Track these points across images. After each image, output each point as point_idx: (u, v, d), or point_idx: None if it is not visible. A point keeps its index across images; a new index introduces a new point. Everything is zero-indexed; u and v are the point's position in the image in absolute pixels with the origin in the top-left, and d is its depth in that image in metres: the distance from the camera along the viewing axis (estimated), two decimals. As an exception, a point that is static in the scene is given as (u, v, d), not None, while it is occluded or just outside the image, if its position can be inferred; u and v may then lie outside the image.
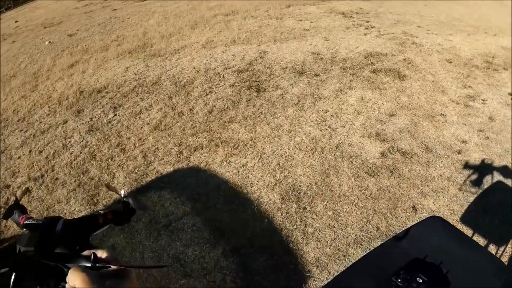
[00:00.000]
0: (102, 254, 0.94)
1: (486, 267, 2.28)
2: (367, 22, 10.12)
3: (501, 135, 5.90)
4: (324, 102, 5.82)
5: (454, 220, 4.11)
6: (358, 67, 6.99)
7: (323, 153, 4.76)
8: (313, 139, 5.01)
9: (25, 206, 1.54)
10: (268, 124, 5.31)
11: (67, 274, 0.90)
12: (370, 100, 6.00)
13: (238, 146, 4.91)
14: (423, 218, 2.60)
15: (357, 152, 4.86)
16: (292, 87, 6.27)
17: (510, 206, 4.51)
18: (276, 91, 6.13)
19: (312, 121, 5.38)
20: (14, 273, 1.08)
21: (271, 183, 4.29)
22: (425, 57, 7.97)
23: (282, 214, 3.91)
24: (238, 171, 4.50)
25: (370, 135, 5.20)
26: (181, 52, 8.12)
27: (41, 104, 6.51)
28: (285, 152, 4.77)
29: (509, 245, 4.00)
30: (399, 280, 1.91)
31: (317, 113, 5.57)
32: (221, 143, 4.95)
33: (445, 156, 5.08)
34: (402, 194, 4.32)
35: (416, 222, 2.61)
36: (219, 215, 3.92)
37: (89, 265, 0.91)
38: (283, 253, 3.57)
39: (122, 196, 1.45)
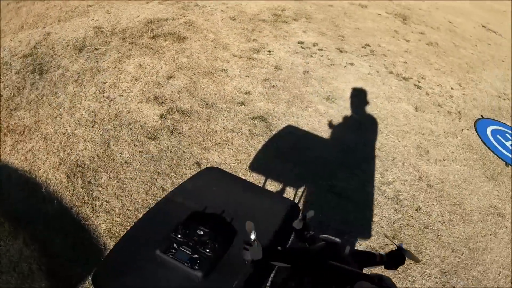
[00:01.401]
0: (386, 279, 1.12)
1: (270, 206, 2.33)
2: (149, -11, 10.04)
3: (288, 82, 6.28)
4: (103, 75, 5.81)
5: (242, 169, 4.37)
6: (137, 35, 7.03)
7: (102, 125, 4.77)
8: (92, 112, 5.01)
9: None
10: (50, 104, 5.19)
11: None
12: (148, 65, 6.04)
13: (24, 132, 4.76)
14: (198, 171, 2.58)
15: (136, 118, 4.93)
16: (73, 64, 6.16)
17: (302, 148, 4.88)
18: (57, 71, 5.98)
19: (91, 95, 5.36)
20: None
21: (56, 163, 4.26)
22: (207, 18, 8.10)
23: (69, 192, 3.92)
24: (26, 157, 4.38)
25: (148, 100, 5.28)
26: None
27: None
28: (67, 130, 4.73)
29: (304, 185, 4.35)
30: (179, 236, 1.88)
31: (96, 86, 5.55)
32: (9, 132, 4.78)
33: (227, 109, 5.29)
34: (184, 152, 4.46)
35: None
36: (14, 205, 3.83)
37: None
38: (76, 231, 3.60)
39: (401, 247, 1.63)
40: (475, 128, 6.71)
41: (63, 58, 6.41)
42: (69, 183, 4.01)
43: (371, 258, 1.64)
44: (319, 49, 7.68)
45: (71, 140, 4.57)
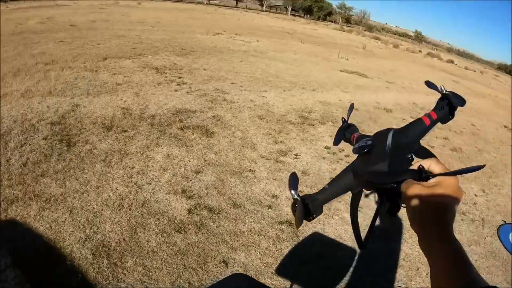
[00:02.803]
0: (427, 164, 1.10)
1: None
2: (179, 78, 10.52)
3: (315, 188, 6.15)
4: (131, 159, 5.98)
5: (269, 272, 4.28)
6: (166, 123, 7.23)
7: (130, 210, 4.87)
8: (119, 195, 5.11)
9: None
10: (77, 179, 5.34)
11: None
12: (177, 157, 6.27)
13: (50, 200, 4.88)
14: (226, 276, 2.43)
15: (164, 209, 4.98)
16: (101, 143, 6.41)
17: (329, 256, 4.73)
18: (85, 146, 6.22)
19: (119, 178, 5.50)
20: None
21: (82, 238, 4.34)
22: (235, 114, 8.45)
23: (94, 269, 3.94)
24: (51, 226, 4.46)
25: (176, 192, 5.35)
26: (1, 101, 7.79)
27: None
28: (93, 208, 4.83)
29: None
30: None
31: (123, 170, 5.71)
32: (34, 197, 4.89)
33: (255, 211, 5.29)
34: (211, 249, 4.43)
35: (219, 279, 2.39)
36: (37, 270, 3.81)
37: (419, 177, 1.06)
38: (97, 309, 3.61)
39: (443, 92, 1.37)
40: (497, 235, 6.71)
41: (91, 134, 6.69)
42: (94, 261, 4.03)
43: (420, 126, 1.35)
44: (345, 155, 7.83)
45: (97, 219, 4.64)
